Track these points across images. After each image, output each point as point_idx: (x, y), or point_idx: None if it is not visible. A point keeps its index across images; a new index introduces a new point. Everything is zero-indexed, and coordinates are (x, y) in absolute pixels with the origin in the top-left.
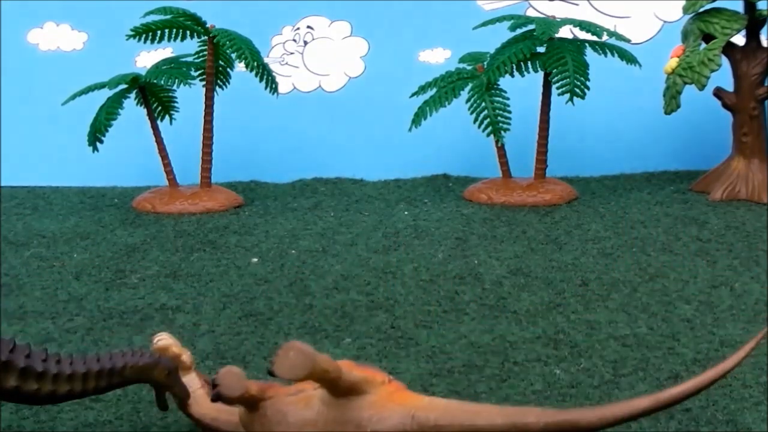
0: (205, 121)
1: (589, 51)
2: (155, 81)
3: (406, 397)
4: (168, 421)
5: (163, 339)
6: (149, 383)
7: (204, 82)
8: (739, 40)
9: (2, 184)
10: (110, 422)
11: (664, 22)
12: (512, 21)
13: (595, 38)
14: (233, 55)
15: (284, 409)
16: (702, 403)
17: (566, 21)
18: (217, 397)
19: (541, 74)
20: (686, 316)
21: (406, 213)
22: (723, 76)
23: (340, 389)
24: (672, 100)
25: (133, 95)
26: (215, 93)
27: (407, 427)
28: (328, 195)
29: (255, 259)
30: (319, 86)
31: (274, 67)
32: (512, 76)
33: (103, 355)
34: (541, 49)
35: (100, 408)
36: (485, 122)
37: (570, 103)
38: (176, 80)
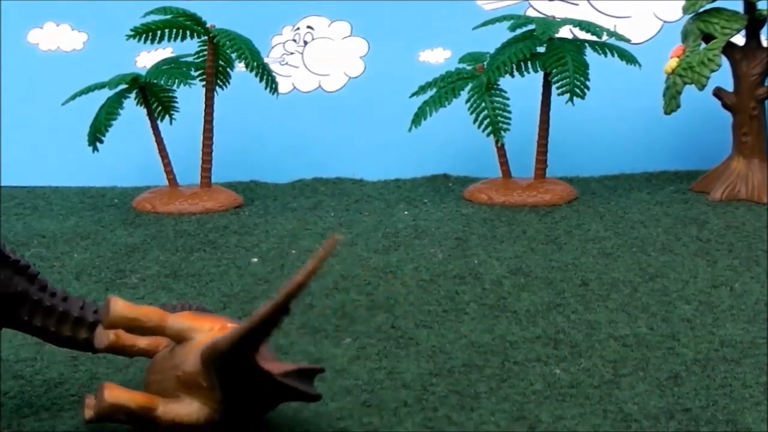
0: (205, 121)
1: (589, 51)
2: (155, 81)
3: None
4: None
5: None
6: None
7: (204, 82)
8: (739, 40)
9: (2, 184)
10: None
11: (664, 22)
12: (512, 21)
13: (595, 38)
14: (233, 55)
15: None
16: (702, 403)
17: (566, 21)
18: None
19: (541, 74)
20: (686, 316)
21: (406, 213)
22: (723, 76)
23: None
24: (672, 100)
25: (133, 95)
26: (215, 93)
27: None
28: (328, 195)
29: (255, 259)
30: (319, 86)
31: (274, 67)
32: (512, 76)
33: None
34: (541, 49)
35: None
36: (485, 122)
37: (570, 103)
38: (176, 80)
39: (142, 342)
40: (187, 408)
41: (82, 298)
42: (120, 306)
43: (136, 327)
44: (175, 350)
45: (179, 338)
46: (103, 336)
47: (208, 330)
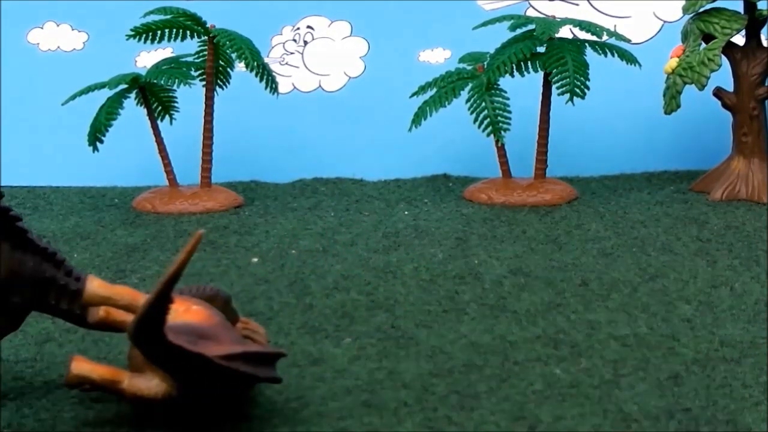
0: (205, 121)
1: (589, 51)
2: (155, 81)
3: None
4: (168, 421)
5: None
6: None
7: (204, 82)
8: (739, 40)
9: (2, 184)
10: (110, 422)
11: (664, 22)
12: (512, 21)
13: (595, 38)
14: (233, 55)
15: None
16: (702, 403)
17: (566, 21)
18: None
19: (541, 74)
20: (686, 316)
21: (406, 213)
22: (723, 76)
23: None
24: (672, 100)
25: (133, 95)
26: (215, 93)
27: None
28: (328, 195)
29: (255, 259)
30: (319, 86)
31: (274, 67)
32: (512, 76)
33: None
34: (541, 49)
35: (100, 408)
36: (485, 122)
37: (570, 103)
38: (176, 80)
39: (131, 318)
40: (148, 383)
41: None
42: (95, 285)
43: (110, 304)
44: None
45: None
46: (95, 312)
47: (174, 311)
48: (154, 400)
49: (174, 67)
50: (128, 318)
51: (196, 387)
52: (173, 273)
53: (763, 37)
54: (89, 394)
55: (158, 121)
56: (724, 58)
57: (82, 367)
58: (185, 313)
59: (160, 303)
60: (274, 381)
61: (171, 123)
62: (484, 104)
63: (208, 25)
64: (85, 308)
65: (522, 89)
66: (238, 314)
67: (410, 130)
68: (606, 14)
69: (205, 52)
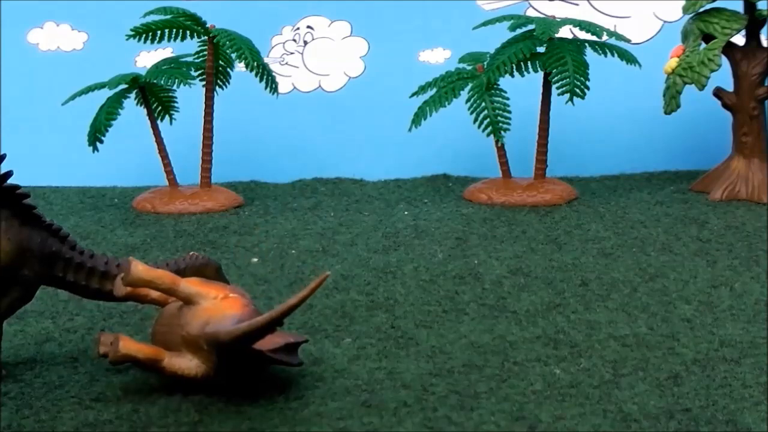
0: (205, 121)
1: (589, 51)
2: (155, 81)
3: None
4: (168, 421)
5: None
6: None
7: (204, 82)
8: (739, 40)
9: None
10: (110, 422)
11: (664, 22)
12: (512, 21)
13: (595, 38)
14: (233, 55)
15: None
16: (702, 403)
17: (566, 21)
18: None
19: (541, 74)
20: (686, 316)
21: (406, 213)
22: (723, 76)
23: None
24: (672, 100)
25: (133, 95)
26: (215, 93)
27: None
28: (328, 195)
29: (255, 259)
30: (319, 86)
31: (274, 67)
32: (512, 76)
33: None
34: (541, 49)
35: (100, 408)
36: (485, 122)
37: (570, 103)
38: (176, 80)
39: (154, 293)
40: (188, 363)
41: (105, 255)
42: (140, 269)
43: (152, 288)
44: (183, 310)
45: (188, 301)
46: (121, 287)
47: (213, 298)
48: (193, 379)
49: (174, 67)
50: (151, 293)
51: (238, 370)
52: (292, 306)
53: (763, 37)
54: (89, 393)
55: (158, 121)
56: (724, 58)
57: (129, 346)
58: (224, 300)
59: (268, 328)
60: (299, 365)
61: (171, 123)
62: (484, 104)
63: (208, 25)
64: (90, 280)
65: (522, 89)
66: (228, 282)
67: (410, 130)
68: (606, 14)
69: (205, 52)
